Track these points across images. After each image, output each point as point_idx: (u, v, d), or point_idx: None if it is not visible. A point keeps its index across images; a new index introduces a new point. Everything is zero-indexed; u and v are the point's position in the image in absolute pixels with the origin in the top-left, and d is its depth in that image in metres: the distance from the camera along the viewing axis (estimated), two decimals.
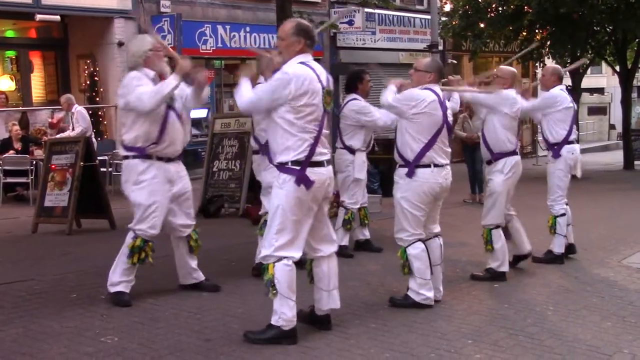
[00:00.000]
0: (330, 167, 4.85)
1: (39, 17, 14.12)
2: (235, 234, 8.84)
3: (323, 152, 4.76)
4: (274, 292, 4.67)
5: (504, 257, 6.50)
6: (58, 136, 12.28)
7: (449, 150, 5.72)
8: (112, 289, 5.72)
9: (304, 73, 4.68)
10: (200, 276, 6.10)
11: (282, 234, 4.67)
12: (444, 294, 5.81)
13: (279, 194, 4.70)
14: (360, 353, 4.60)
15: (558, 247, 7.21)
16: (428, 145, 5.53)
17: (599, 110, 35.34)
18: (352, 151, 7.43)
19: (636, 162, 19.16)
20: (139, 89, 5.51)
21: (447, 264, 6.79)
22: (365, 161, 7.56)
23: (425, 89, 5.59)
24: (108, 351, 4.64)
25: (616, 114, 35.22)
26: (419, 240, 5.58)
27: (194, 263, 6.08)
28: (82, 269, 6.99)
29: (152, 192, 5.64)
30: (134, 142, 5.65)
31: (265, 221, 5.42)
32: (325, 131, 4.78)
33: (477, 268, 6.73)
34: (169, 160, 5.76)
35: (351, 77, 7.76)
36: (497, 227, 6.53)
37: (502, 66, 7.13)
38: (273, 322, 4.73)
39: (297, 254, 4.74)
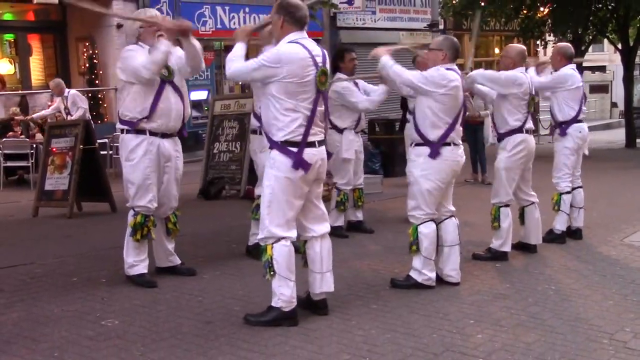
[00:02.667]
0: (322, 148, 4.77)
1: None
2: (236, 216, 8.82)
3: (316, 133, 4.70)
4: (272, 273, 4.64)
5: (508, 236, 6.46)
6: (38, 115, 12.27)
7: (461, 128, 5.75)
8: (131, 272, 5.73)
9: (294, 52, 4.59)
10: (176, 260, 6.04)
11: (275, 215, 4.64)
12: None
13: (270, 174, 4.66)
14: (361, 334, 4.59)
15: (560, 224, 7.19)
16: (452, 126, 5.56)
17: (600, 89, 35.15)
18: (340, 130, 7.38)
19: (638, 140, 19.09)
20: (135, 60, 5.50)
21: None
22: (354, 140, 7.46)
23: (449, 69, 5.55)
24: (109, 334, 4.64)
25: (618, 92, 35.05)
26: (432, 220, 5.57)
27: (170, 246, 6.01)
28: (82, 253, 6.98)
29: (144, 168, 5.60)
30: (127, 115, 5.62)
31: (258, 205, 5.48)
32: (319, 109, 4.70)
33: (479, 248, 6.71)
34: (164, 135, 5.68)
35: (333, 57, 7.61)
36: (507, 205, 6.49)
37: (510, 45, 7.13)
38: (273, 303, 4.72)
39: (294, 234, 4.72)
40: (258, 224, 5.65)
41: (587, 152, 7.46)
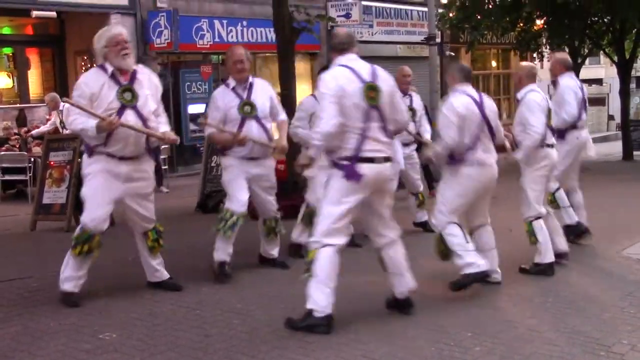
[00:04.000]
0: (387, 164, 4.96)
1: (35, 13, 14.11)
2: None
3: (374, 149, 4.88)
4: (310, 274, 4.84)
5: (547, 247, 6.43)
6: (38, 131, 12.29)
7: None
8: (61, 286, 5.61)
9: (339, 75, 4.89)
10: (162, 275, 5.98)
11: (328, 222, 4.85)
12: (443, 287, 5.80)
13: (327, 185, 4.91)
14: (360, 347, 4.59)
15: (569, 219, 7.37)
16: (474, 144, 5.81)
17: (597, 101, 35.24)
18: None
19: (635, 153, 19.12)
20: (73, 110, 5.53)
21: None
22: None
23: (462, 93, 5.83)
24: (106, 348, 4.63)
25: (615, 104, 35.14)
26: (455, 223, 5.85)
27: (155, 262, 5.94)
28: None
29: (97, 187, 5.50)
30: (86, 140, 5.59)
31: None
32: (373, 125, 4.87)
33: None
34: (122, 158, 5.54)
35: (320, 71, 7.65)
36: (537, 218, 6.50)
37: (520, 63, 7.38)
38: (307, 305, 4.85)
39: (342, 241, 4.95)
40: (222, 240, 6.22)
41: (593, 155, 7.66)
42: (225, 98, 6.32)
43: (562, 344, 4.63)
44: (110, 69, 5.52)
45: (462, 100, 5.79)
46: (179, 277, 6.13)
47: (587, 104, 7.59)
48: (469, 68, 6.26)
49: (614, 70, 21.56)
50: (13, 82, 16.14)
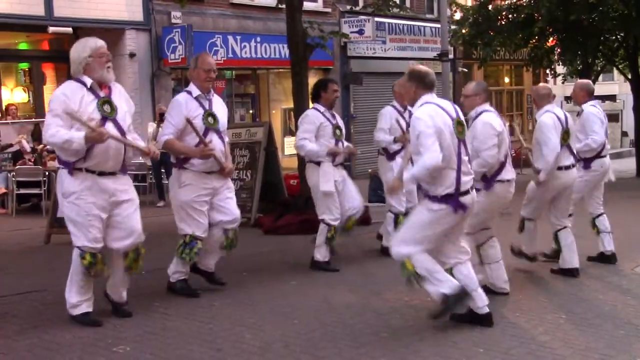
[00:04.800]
0: (474, 192, 5.31)
1: (51, 29, 14.25)
2: (247, 244, 8.83)
3: (467, 181, 5.21)
4: (420, 278, 5.13)
5: (570, 254, 6.86)
6: None
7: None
8: (74, 312, 5.45)
9: (433, 112, 5.11)
10: (121, 298, 5.69)
11: (418, 243, 5.17)
12: None
13: (424, 215, 5.20)
14: None
15: (604, 245, 7.53)
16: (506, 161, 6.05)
17: (611, 118, 34.98)
18: (317, 163, 7.22)
19: None
20: (52, 123, 5.24)
21: None
22: (330, 172, 7.17)
23: (486, 111, 5.99)
24: None
25: (628, 121, 35.02)
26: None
27: (120, 281, 5.64)
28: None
29: (83, 205, 5.29)
30: (63, 156, 5.34)
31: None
32: (464, 159, 5.20)
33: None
34: (101, 174, 5.35)
35: (316, 85, 7.55)
36: (564, 228, 6.89)
37: (537, 85, 7.49)
38: (439, 298, 5.16)
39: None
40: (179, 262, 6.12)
41: (613, 178, 7.73)
42: (188, 105, 6.07)
43: None
44: (89, 81, 5.35)
45: (495, 118, 5.98)
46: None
47: (607, 130, 7.67)
48: (487, 86, 6.44)
49: (627, 86, 21.53)
50: (29, 97, 16.29)
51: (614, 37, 18.74)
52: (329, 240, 7.27)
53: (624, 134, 35.29)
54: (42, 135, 13.58)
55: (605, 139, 7.43)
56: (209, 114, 6.11)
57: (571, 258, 6.89)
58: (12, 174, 12.24)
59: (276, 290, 6.48)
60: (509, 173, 6.02)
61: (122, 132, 5.41)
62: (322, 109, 7.30)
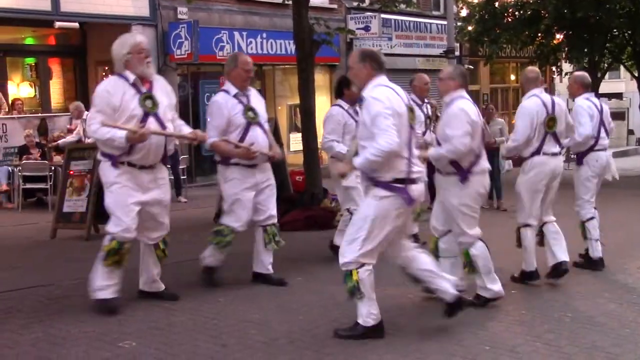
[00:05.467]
0: (422, 184, 5.06)
1: (58, 24, 14.28)
2: (251, 240, 8.84)
3: (417, 171, 4.97)
4: (360, 296, 4.86)
5: (530, 256, 6.48)
6: (64, 141, 12.40)
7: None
8: (96, 295, 5.59)
9: (390, 95, 4.87)
10: (159, 286, 5.96)
11: (368, 243, 4.84)
12: None
13: (372, 205, 4.87)
14: (375, 359, 4.59)
15: (593, 251, 7.23)
16: (480, 152, 5.76)
17: (617, 116, 34.95)
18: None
19: None
20: (95, 118, 5.47)
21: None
22: None
23: (462, 98, 5.68)
24: (125, 356, 4.67)
25: (635, 119, 34.96)
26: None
27: (155, 271, 5.92)
28: None
29: (122, 195, 5.50)
30: (106, 150, 5.55)
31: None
32: (414, 149, 4.98)
33: (497, 275, 6.69)
34: (142, 167, 5.58)
35: (339, 82, 7.65)
36: (526, 225, 6.50)
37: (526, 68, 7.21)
38: (361, 322, 4.93)
39: (374, 261, 4.94)
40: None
41: (617, 177, 7.53)
42: (228, 104, 6.23)
43: (581, 359, 4.60)
44: (131, 77, 5.54)
45: (470, 106, 5.69)
46: (196, 286, 6.17)
47: (607, 125, 7.39)
48: (467, 72, 6.16)
49: (634, 84, 21.47)
50: (35, 92, 16.31)
51: (620, 35, 18.67)
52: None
53: (630, 132, 35.22)
54: (47, 130, 13.73)
55: (591, 133, 7.08)
56: (248, 108, 6.28)
57: (556, 254, 6.55)
58: (18, 168, 12.26)
59: (281, 286, 6.47)
60: (483, 163, 5.76)
61: (163, 127, 5.62)
62: (345, 105, 7.36)
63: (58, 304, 5.94)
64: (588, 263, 7.22)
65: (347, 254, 4.88)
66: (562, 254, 6.56)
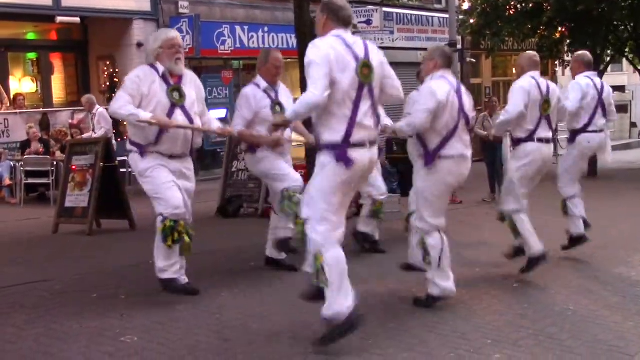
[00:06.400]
0: (374, 148, 4.68)
1: (59, 19, 14.29)
2: (254, 234, 8.84)
3: (364, 135, 4.56)
4: (324, 282, 4.48)
5: (531, 237, 6.39)
6: (79, 137, 12.39)
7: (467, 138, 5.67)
8: (161, 275, 5.74)
9: (334, 45, 4.51)
10: (183, 280, 5.93)
11: (325, 218, 4.53)
12: (463, 293, 5.78)
13: (318, 178, 4.58)
14: (378, 353, 4.59)
15: (575, 228, 7.17)
16: (449, 135, 5.47)
17: (620, 109, 34.78)
18: None
19: None
20: (122, 97, 5.55)
21: (466, 264, 6.78)
22: None
23: (442, 77, 5.54)
24: (128, 351, 4.67)
25: (637, 112, 34.84)
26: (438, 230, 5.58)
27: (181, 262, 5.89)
28: (102, 269, 7.04)
29: (159, 177, 5.61)
30: (136, 137, 5.68)
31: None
32: (363, 108, 4.55)
33: (499, 269, 6.70)
34: (171, 157, 5.70)
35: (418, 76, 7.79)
36: (517, 211, 6.45)
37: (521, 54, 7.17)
38: (326, 314, 4.54)
39: (340, 234, 4.62)
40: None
41: (609, 160, 7.46)
42: (257, 97, 6.42)
43: (584, 353, 4.60)
44: (161, 69, 5.66)
45: (443, 86, 5.47)
46: (199, 281, 6.16)
47: (607, 107, 7.26)
48: (451, 52, 5.95)
49: (637, 77, 21.43)
50: (37, 87, 16.33)
51: (623, 28, 18.60)
52: (374, 213, 7.53)
53: (633, 124, 35.06)
54: (49, 125, 13.75)
55: (574, 111, 6.98)
56: (276, 103, 6.47)
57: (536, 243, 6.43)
58: (20, 163, 12.27)
59: (284, 280, 6.47)
60: (455, 148, 5.45)
61: (190, 120, 5.71)
62: None
63: (60, 299, 5.94)
64: (572, 242, 7.20)
65: (311, 234, 4.55)
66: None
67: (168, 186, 5.62)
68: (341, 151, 4.49)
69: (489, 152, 12.10)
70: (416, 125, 5.46)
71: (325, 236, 4.52)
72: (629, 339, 4.87)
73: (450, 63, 5.71)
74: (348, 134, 4.50)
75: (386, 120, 6.46)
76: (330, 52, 4.47)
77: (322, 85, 4.40)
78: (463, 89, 5.68)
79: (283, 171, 6.42)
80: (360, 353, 4.59)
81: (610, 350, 4.66)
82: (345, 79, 4.49)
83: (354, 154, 4.51)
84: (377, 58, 4.74)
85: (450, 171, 5.49)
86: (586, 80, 7.14)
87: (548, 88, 6.49)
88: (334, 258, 4.51)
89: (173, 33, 5.89)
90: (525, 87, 6.36)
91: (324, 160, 4.56)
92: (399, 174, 11.93)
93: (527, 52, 7.00)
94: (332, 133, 4.52)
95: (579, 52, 7.71)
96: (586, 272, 6.78)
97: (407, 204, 9.68)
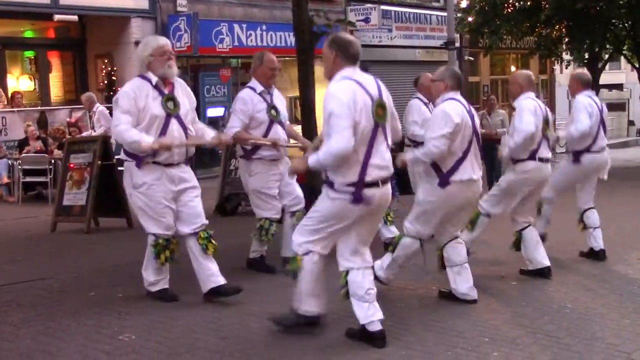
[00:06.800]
0: (387, 186, 4.71)
1: (57, 17, 14.26)
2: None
3: (377, 174, 4.59)
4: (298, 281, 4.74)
5: (540, 253, 6.45)
6: (78, 136, 12.38)
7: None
8: (152, 289, 5.75)
9: (352, 90, 4.49)
10: (219, 280, 5.72)
11: (316, 234, 4.71)
12: None
13: (326, 204, 4.67)
14: (376, 351, 4.59)
15: (594, 241, 7.18)
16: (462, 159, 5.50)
17: (617, 107, 34.97)
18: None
19: None
20: (121, 118, 5.46)
21: None
22: None
23: (452, 99, 5.54)
24: (125, 349, 4.67)
25: (635, 110, 34.93)
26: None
27: (210, 264, 5.72)
28: (100, 268, 7.04)
29: (153, 195, 5.52)
30: (130, 150, 5.53)
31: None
32: (379, 148, 4.59)
33: (498, 267, 6.71)
34: (169, 165, 5.59)
35: (416, 78, 8.06)
36: (529, 226, 6.49)
37: (515, 71, 7.14)
38: (296, 309, 4.81)
39: (325, 252, 4.78)
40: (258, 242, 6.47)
41: (605, 177, 7.40)
42: (253, 101, 6.43)
43: (581, 351, 4.60)
44: (154, 79, 5.57)
45: (456, 107, 5.48)
46: (196, 280, 6.14)
47: (605, 127, 7.27)
48: (460, 74, 5.96)
49: (634, 75, 21.43)
50: (34, 85, 16.30)
51: (621, 26, 18.63)
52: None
53: (631, 123, 35.13)
54: (47, 123, 13.73)
55: (588, 130, 6.92)
56: (272, 107, 6.51)
57: (542, 257, 6.44)
58: (18, 161, 12.25)
59: (282, 278, 6.46)
60: (467, 172, 5.48)
61: (185, 128, 5.65)
62: (424, 99, 7.76)
63: (58, 298, 5.94)
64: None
65: (297, 237, 4.79)
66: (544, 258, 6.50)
67: (161, 207, 5.55)
68: (356, 192, 4.53)
69: (488, 152, 12.04)
70: (435, 154, 5.41)
71: (310, 243, 4.71)
72: (626, 337, 4.88)
73: (460, 84, 5.71)
74: (362, 175, 4.54)
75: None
76: (351, 102, 4.44)
77: (348, 136, 4.39)
78: (473, 110, 5.69)
79: (270, 200, 6.50)
80: (358, 351, 4.59)
81: (608, 347, 4.67)
82: (364, 123, 4.50)
83: (367, 192, 4.56)
84: (387, 95, 4.75)
85: (455, 196, 5.52)
86: (588, 99, 7.10)
87: (545, 109, 6.56)
88: (312, 263, 4.71)
89: (163, 40, 5.77)
90: (531, 109, 6.36)
91: (334, 196, 4.61)
92: (397, 173, 11.90)
93: (523, 71, 6.97)
94: (346, 176, 4.55)
95: (577, 71, 7.67)
96: (583, 270, 6.78)
97: (404, 202, 9.67)
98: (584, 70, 7.71)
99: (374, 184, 4.57)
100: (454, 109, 5.45)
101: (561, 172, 7.32)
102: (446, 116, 5.41)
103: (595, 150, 7.13)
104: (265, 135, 6.42)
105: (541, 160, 6.44)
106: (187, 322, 5.20)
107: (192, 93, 6.00)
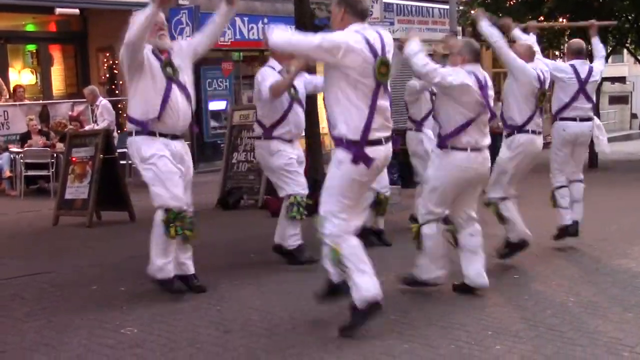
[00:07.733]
0: (389, 145, 4.75)
1: (58, 10, 14.24)
2: (254, 226, 8.85)
3: (380, 129, 4.64)
4: (346, 269, 4.65)
5: (516, 224, 6.51)
6: (80, 130, 12.37)
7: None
8: (159, 275, 5.55)
9: (355, 39, 4.51)
10: (188, 269, 5.78)
11: (339, 214, 4.64)
12: None
13: (335, 175, 4.67)
14: (379, 344, 4.59)
15: (561, 219, 7.18)
16: (464, 127, 5.46)
17: (620, 100, 34.86)
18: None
19: None
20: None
21: None
22: None
23: (470, 72, 5.48)
24: (128, 343, 4.67)
25: (638, 103, 34.79)
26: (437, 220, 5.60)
27: (183, 255, 5.73)
28: (102, 261, 7.04)
29: (161, 165, 5.49)
30: (137, 114, 5.57)
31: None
32: (381, 105, 4.61)
33: (499, 260, 6.69)
34: (174, 137, 5.62)
35: None
36: (503, 199, 6.53)
37: (517, 43, 7.05)
38: (358, 304, 4.63)
39: (358, 222, 4.84)
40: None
41: (606, 150, 7.46)
42: (274, 78, 6.51)
43: (584, 344, 4.60)
44: (149, 46, 5.64)
45: (469, 77, 5.43)
46: (199, 273, 6.16)
47: (593, 96, 7.17)
48: (478, 46, 5.86)
49: (637, 68, 21.38)
50: (36, 79, 16.30)
51: (624, 19, 18.55)
52: (378, 207, 7.57)
53: (634, 116, 35.01)
54: (49, 117, 13.71)
55: (569, 99, 6.97)
56: (292, 86, 6.63)
57: (522, 227, 6.55)
58: (20, 155, 12.26)
59: (284, 272, 6.48)
60: (471, 139, 5.45)
61: (186, 92, 5.69)
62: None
63: (61, 292, 5.95)
64: (561, 233, 7.22)
65: (327, 226, 4.67)
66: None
67: (171, 176, 5.51)
68: (358, 150, 4.56)
69: (490, 146, 12.06)
70: (422, 70, 5.31)
71: (341, 228, 4.66)
72: (629, 330, 4.87)
73: (478, 57, 5.65)
74: (365, 132, 4.56)
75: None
76: (352, 43, 4.48)
77: (313, 39, 4.53)
78: (490, 83, 5.60)
79: (295, 175, 6.58)
80: (360, 344, 4.59)
81: (611, 341, 4.66)
82: (365, 80, 4.53)
83: (371, 151, 4.59)
84: (393, 50, 4.78)
85: (462, 167, 5.46)
86: (569, 67, 7.09)
87: (545, 79, 6.54)
88: (351, 247, 4.65)
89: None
90: (532, 71, 6.40)
91: (341, 157, 4.64)
92: (399, 166, 11.91)
93: (525, 42, 6.96)
94: (350, 130, 4.56)
95: (571, 41, 7.70)
96: (586, 264, 6.78)
97: (407, 195, 9.67)
98: (577, 40, 7.64)
99: (377, 142, 4.63)
100: (468, 76, 5.41)
101: (551, 147, 7.33)
102: (459, 73, 5.39)
103: (569, 118, 7.09)
104: (286, 114, 6.53)
105: (533, 132, 6.49)
106: (189, 316, 5.20)
107: (186, 43, 6.16)
